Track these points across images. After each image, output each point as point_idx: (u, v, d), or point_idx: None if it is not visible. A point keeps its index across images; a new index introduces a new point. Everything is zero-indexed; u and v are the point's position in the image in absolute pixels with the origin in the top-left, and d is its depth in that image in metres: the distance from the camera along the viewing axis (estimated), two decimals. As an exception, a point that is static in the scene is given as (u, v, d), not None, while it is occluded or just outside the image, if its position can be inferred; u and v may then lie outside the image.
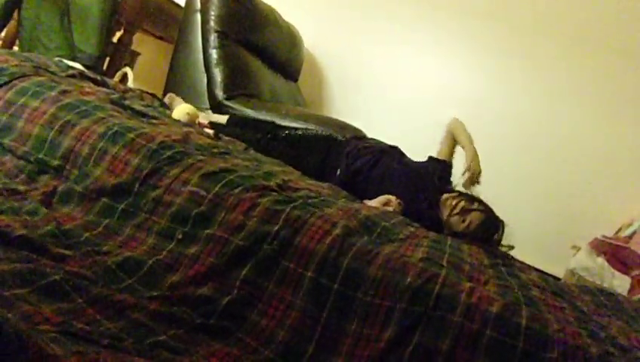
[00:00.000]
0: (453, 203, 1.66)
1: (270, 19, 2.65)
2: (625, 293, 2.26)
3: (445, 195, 1.71)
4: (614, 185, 2.72)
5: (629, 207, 2.59)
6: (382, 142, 2.02)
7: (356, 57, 3.18)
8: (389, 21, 3.12)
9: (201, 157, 1.10)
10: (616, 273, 2.33)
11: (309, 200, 1.10)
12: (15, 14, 2.38)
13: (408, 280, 0.91)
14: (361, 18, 3.17)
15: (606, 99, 2.74)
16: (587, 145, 2.77)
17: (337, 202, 1.23)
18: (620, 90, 2.72)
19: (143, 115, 1.32)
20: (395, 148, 1.97)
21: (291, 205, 1.00)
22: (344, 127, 2.15)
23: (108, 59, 2.77)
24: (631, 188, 2.69)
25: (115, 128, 1.08)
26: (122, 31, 2.87)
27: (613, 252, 2.38)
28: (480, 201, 1.71)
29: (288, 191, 1.11)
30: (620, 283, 2.31)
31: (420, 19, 3.05)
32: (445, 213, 1.67)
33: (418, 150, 2.34)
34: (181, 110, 1.69)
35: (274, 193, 1.04)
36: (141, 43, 3.20)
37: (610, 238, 2.41)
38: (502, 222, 1.70)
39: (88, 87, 1.43)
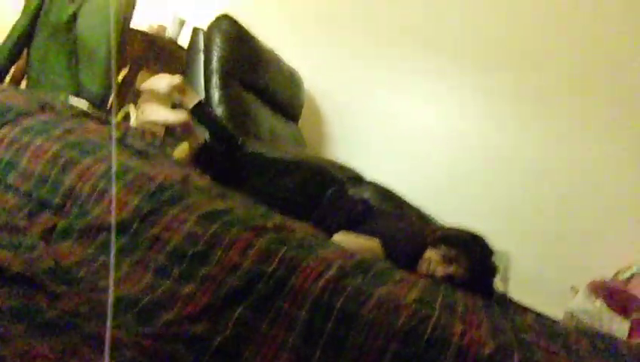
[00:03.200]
0: (430, 267, 1.42)
1: (272, 61, 2.72)
2: (624, 337, 2.24)
3: (425, 255, 1.45)
4: (613, 229, 2.74)
5: (626, 251, 2.60)
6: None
7: (357, 100, 3.24)
8: (388, 66, 3.20)
9: (199, 198, 1.13)
10: (615, 316, 2.32)
11: (305, 241, 1.11)
12: (24, 52, 2.45)
13: (401, 321, 0.92)
14: (361, 64, 3.25)
15: (605, 146, 2.79)
16: (587, 188, 2.80)
17: (333, 243, 1.25)
18: (618, 137, 2.77)
19: (144, 154, 1.36)
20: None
21: (287, 246, 1.02)
22: (344, 168, 2.18)
23: (113, 97, 2.83)
24: (629, 233, 2.71)
25: (115, 168, 1.11)
26: (127, 69, 2.95)
27: (612, 295, 2.37)
28: (463, 256, 1.45)
29: (284, 232, 1.13)
30: (619, 326, 2.29)
31: (420, 64, 3.13)
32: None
33: (417, 193, 2.37)
34: (181, 149, 1.72)
35: (270, 234, 1.06)
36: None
37: (608, 281, 2.41)
38: (492, 270, 1.52)
39: (91, 125, 1.47)
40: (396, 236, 1.48)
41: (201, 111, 1.67)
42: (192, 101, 1.66)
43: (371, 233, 1.44)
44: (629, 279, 2.36)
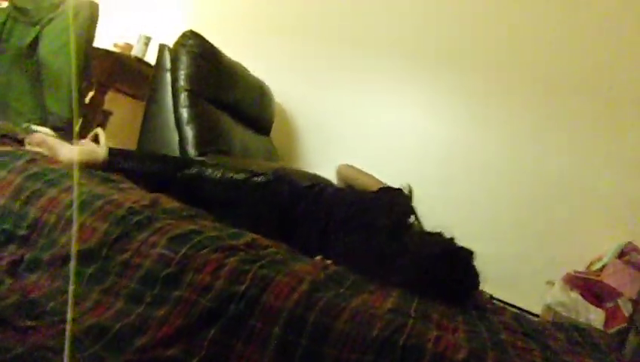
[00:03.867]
0: None
1: (239, 76, 2.72)
2: (601, 326, 2.29)
3: None
4: (584, 223, 2.81)
5: (598, 243, 2.67)
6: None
7: (327, 109, 3.27)
8: (358, 72, 3.23)
9: (169, 221, 1.12)
10: (591, 307, 2.37)
11: (277, 257, 1.12)
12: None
13: (375, 332, 0.92)
14: (329, 70, 3.28)
15: (574, 141, 2.86)
16: (557, 186, 2.87)
17: (306, 257, 1.25)
18: (587, 131, 2.84)
19: (112, 179, 1.34)
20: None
21: (258, 264, 1.02)
22: (317, 179, 2.18)
23: (81, 119, 2.80)
24: (600, 225, 2.78)
25: (83, 197, 1.10)
26: (94, 91, 2.92)
27: (586, 286, 2.43)
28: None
29: (256, 250, 1.13)
30: (595, 316, 2.35)
31: (392, 70, 3.17)
32: None
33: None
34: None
35: (241, 253, 1.06)
36: (114, 102, 3.25)
37: (581, 273, 2.47)
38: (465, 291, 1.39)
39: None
40: (363, 264, 1.33)
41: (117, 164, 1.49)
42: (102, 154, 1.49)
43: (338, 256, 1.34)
44: (601, 269, 2.42)
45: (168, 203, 1.25)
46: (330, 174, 2.46)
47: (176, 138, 2.31)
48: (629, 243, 2.47)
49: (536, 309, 2.57)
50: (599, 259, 2.51)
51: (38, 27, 2.44)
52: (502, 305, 2.20)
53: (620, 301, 2.29)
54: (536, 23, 2.98)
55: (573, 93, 2.87)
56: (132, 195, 1.21)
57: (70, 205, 1.08)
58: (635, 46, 2.80)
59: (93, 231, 1.09)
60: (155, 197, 1.25)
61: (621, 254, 2.44)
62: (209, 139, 2.34)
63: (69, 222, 1.06)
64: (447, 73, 3.08)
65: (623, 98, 2.79)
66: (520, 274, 2.82)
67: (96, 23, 2.62)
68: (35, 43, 2.44)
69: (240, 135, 2.64)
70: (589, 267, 2.56)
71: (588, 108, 2.84)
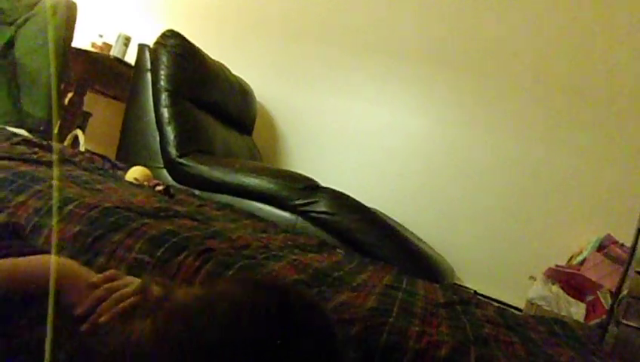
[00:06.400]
0: None
1: (220, 75, 2.70)
2: (582, 319, 2.32)
3: None
4: (565, 217, 2.84)
5: (578, 237, 2.70)
6: None
7: (309, 108, 3.26)
8: (340, 72, 3.22)
9: (146, 220, 1.10)
10: (572, 300, 2.40)
11: (258, 256, 1.11)
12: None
13: (355, 329, 0.92)
14: (311, 70, 3.27)
15: (554, 136, 2.88)
16: (537, 180, 2.89)
17: (288, 255, 1.25)
18: (568, 126, 2.87)
19: (87, 181, 1.32)
20: None
21: (236, 266, 1.01)
22: (298, 178, 2.17)
23: (59, 121, 2.75)
24: (580, 220, 2.81)
25: (52, 202, 1.08)
26: (72, 92, 2.87)
27: (567, 279, 2.45)
28: None
29: (236, 250, 1.12)
30: (576, 309, 2.38)
31: (375, 70, 3.17)
32: None
33: (372, 195, 2.39)
34: (131, 174, 1.70)
35: (218, 255, 1.05)
36: (93, 103, 3.20)
37: (562, 267, 2.49)
38: None
39: (33, 152, 1.42)
40: None
41: None
42: None
43: None
44: (581, 263, 2.44)
45: (146, 203, 1.23)
46: (310, 171, 2.45)
47: (158, 138, 2.28)
48: (608, 235, 2.50)
49: (520, 304, 2.60)
50: (579, 253, 2.54)
51: (13, 27, 2.39)
52: (485, 300, 2.22)
53: (599, 294, 2.32)
54: (519, 19, 3.01)
55: (553, 90, 2.90)
56: (105, 195, 1.19)
57: (38, 211, 1.05)
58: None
59: (65, 234, 1.06)
60: (130, 199, 1.23)
61: (600, 247, 2.46)
62: (190, 138, 2.31)
63: (38, 228, 1.03)
64: (431, 73, 3.08)
65: (597, 95, 2.82)
66: (503, 270, 2.84)
67: (74, 23, 2.57)
68: (10, 43, 2.39)
69: (222, 134, 2.62)
70: (569, 261, 2.59)
71: (567, 105, 2.87)
